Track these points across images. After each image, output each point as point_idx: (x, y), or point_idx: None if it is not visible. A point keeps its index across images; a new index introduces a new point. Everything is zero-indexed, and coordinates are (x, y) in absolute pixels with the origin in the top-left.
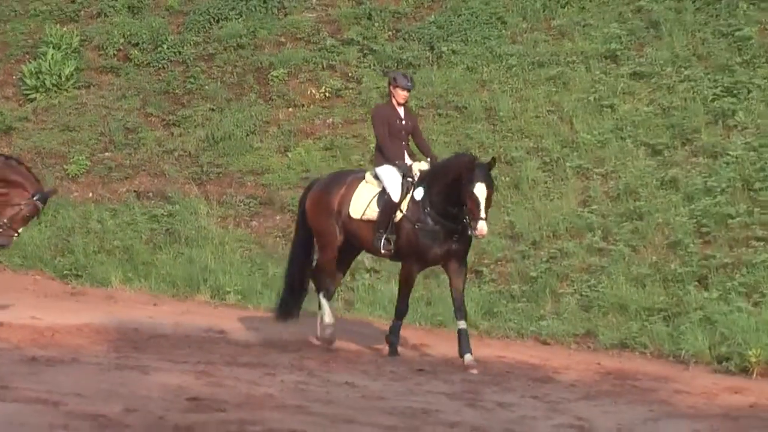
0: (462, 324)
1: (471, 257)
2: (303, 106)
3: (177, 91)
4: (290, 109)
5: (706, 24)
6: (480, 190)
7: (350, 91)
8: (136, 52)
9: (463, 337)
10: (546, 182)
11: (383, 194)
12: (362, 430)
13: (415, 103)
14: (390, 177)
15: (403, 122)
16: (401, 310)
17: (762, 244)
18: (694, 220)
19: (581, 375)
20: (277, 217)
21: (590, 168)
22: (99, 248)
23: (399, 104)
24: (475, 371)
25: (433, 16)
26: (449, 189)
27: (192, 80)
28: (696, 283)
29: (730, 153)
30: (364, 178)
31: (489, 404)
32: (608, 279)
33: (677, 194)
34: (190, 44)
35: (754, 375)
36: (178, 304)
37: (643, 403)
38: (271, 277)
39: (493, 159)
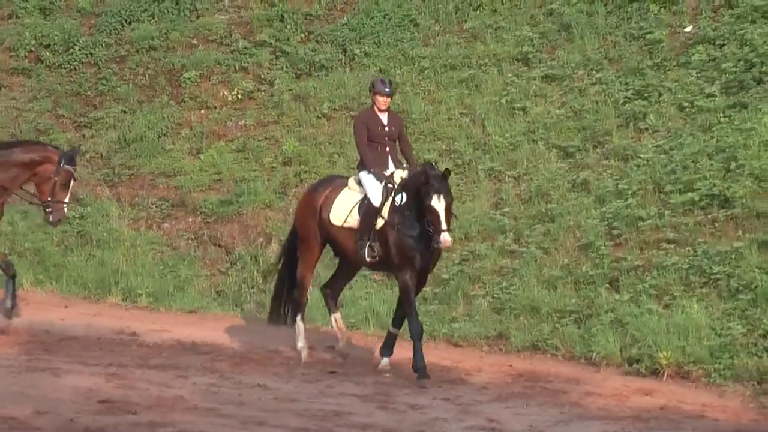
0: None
1: None
2: (215, 108)
3: (89, 92)
4: (202, 111)
5: (617, 27)
6: (437, 202)
7: (263, 93)
8: (47, 53)
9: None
10: (458, 184)
11: (364, 201)
12: None
13: (327, 105)
14: (370, 183)
15: (386, 128)
16: (416, 329)
17: (673, 246)
18: (606, 223)
19: (493, 377)
20: (189, 219)
21: (502, 170)
22: (10, 250)
23: (381, 110)
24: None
25: (345, 19)
26: (416, 200)
27: (104, 82)
28: (607, 285)
29: (641, 156)
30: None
31: (401, 406)
32: (520, 281)
33: (588, 197)
34: (102, 46)
35: (665, 377)
36: (90, 306)
37: (555, 404)
38: (183, 280)
39: (447, 170)
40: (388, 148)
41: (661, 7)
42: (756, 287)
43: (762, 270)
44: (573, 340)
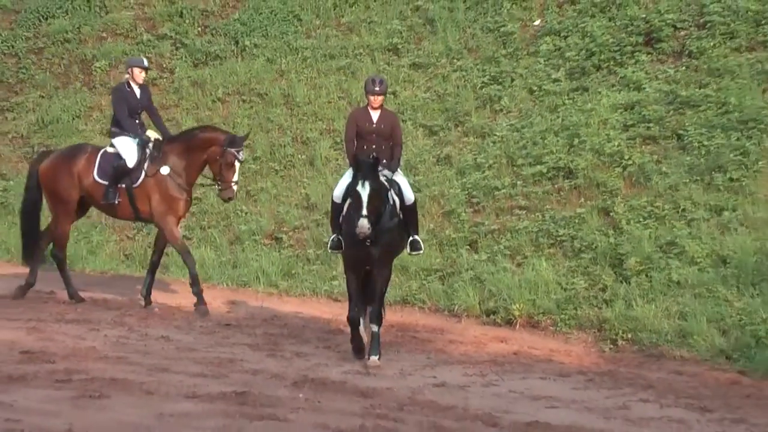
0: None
1: (272, 225)
2: None
3: (10, 80)
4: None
5: (475, 21)
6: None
7: (164, 80)
8: None
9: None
10: (337, 159)
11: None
12: (175, 377)
13: (222, 91)
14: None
15: (374, 125)
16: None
17: (524, 212)
18: (466, 192)
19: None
20: None
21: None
22: None
23: (373, 108)
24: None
25: (237, 14)
26: None
27: (24, 71)
28: (467, 247)
29: (497, 133)
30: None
31: (287, 354)
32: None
33: (451, 169)
34: (22, 39)
35: (517, 326)
36: (11, 268)
37: (422, 351)
38: (95, 245)
39: (376, 158)
40: (374, 145)
41: (513, 3)
42: (596, 247)
43: (601, 232)
44: (438, 294)
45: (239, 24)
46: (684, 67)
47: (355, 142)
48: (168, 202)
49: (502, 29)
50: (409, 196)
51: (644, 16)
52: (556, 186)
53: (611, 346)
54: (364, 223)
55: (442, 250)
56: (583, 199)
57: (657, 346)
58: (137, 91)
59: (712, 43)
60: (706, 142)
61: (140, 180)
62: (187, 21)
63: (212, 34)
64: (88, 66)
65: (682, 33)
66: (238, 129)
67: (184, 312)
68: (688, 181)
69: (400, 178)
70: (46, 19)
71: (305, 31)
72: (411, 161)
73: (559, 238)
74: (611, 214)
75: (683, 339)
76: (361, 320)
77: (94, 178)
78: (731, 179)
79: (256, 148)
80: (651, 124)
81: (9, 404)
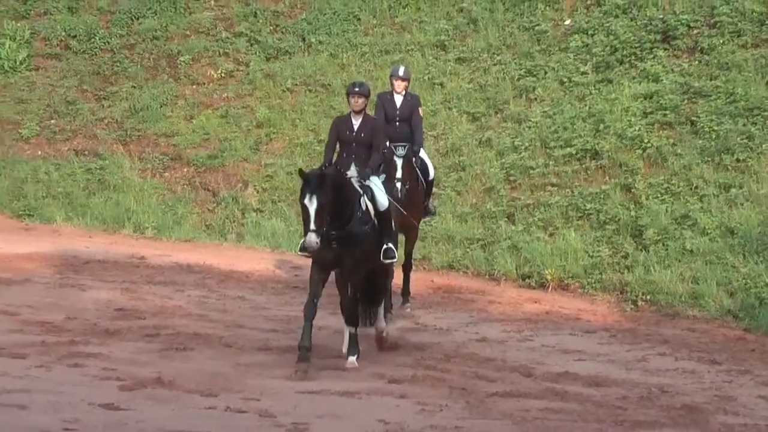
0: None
1: None
2: (204, 84)
3: (106, 72)
4: (194, 86)
5: (513, 21)
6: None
7: (240, 72)
8: (74, 42)
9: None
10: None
11: None
12: (250, 332)
13: (290, 82)
14: None
15: (354, 134)
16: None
17: (555, 189)
18: (504, 171)
19: (418, 290)
20: (184, 170)
21: (425, 131)
22: (46, 194)
23: (355, 113)
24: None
25: (304, 15)
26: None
27: (118, 64)
28: (506, 219)
29: (531, 119)
30: None
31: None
32: (439, 217)
33: (491, 151)
34: (117, 36)
35: (549, 289)
36: (108, 237)
37: (466, 310)
38: (180, 216)
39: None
40: (354, 154)
41: (546, 5)
42: (619, 220)
43: (623, 206)
44: (479, 261)
45: (306, 23)
46: (696, 62)
47: (336, 149)
48: None
49: (536, 28)
50: (383, 201)
51: (661, 16)
52: (583, 166)
53: (632, 306)
54: (312, 238)
55: (483, 222)
56: (607, 178)
57: (672, 307)
58: (397, 101)
59: (721, 41)
60: (716, 128)
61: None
62: (260, 20)
63: (282, 32)
64: (173, 60)
65: (695, 31)
66: (305, 115)
67: (257, 275)
68: (699, 161)
69: (374, 183)
70: (138, 19)
71: (363, 30)
72: (456, 144)
73: (586, 212)
74: (632, 190)
75: (695, 300)
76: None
77: None
78: (738, 160)
79: (320, 132)
80: (667, 112)
81: (106, 355)
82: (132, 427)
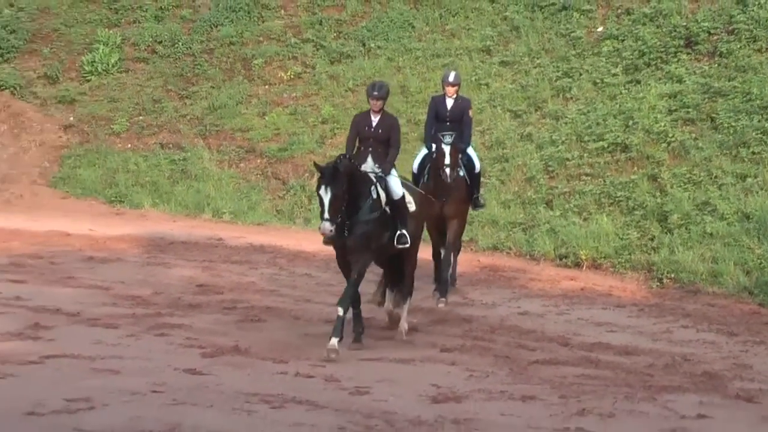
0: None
1: None
2: (275, 84)
3: (188, 74)
4: (266, 87)
5: (551, 28)
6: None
7: (307, 74)
8: (160, 47)
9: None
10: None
11: None
12: (316, 306)
13: (352, 83)
14: None
15: (372, 130)
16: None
17: (589, 178)
18: (543, 162)
19: (466, 268)
20: (257, 161)
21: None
22: (135, 182)
23: (374, 112)
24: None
25: (365, 23)
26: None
27: (198, 67)
28: (544, 205)
29: (567, 116)
30: None
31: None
32: (485, 201)
33: (531, 144)
34: (197, 42)
35: (584, 268)
36: (190, 221)
37: (508, 287)
38: (253, 202)
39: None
40: (371, 149)
41: (581, 14)
42: (646, 206)
43: (650, 194)
44: (521, 242)
45: (366, 30)
46: (716, 65)
47: (357, 144)
48: None
49: (572, 34)
50: (396, 190)
51: (685, 24)
52: (614, 158)
53: (658, 283)
54: (326, 226)
55: (524, 208)
56: (635, 168)
57: (694, 284)
58: (449, 103)
59: (738, 46)
60: (733, 124)
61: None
62: (325, 28)
63: (345, 38)
64: (248, 63)
65: (715, 37)
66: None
67: (322, 255)
68: (719, 154)
69: (391, 176)
70: (216, 26)
71: (417, 36)
72: (499, 138)
73: (616, 199)
74: (658, 180)
75: (715, 278)
76: (387, 299)
77: None
78: (754, 153)
79: None
80: (690, 109)
81: (188, 326)
82: (212, 389)
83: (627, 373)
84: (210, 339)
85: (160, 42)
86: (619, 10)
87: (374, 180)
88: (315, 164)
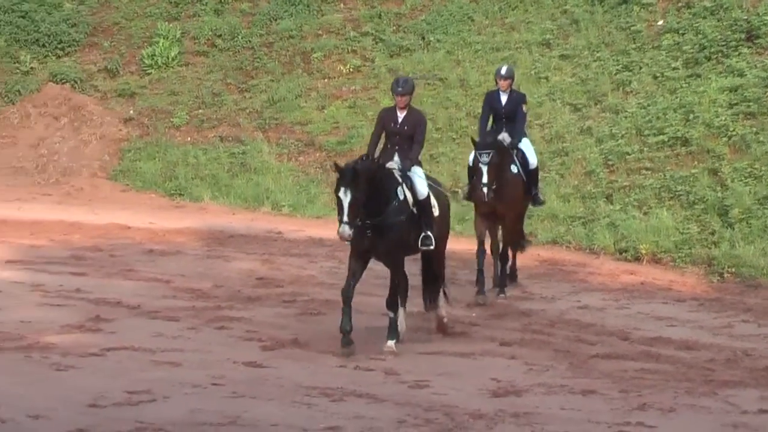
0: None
1: (450, 181)
2: (334, 78)
3: (248, 67)
4: (325, 80)
5: (611, 21)
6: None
7: (366, 67)
8: (219, 41)
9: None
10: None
11: None
12: (371, 299)
13: (411, 75)
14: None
15: (398, 126)
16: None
17: (649, 172)
18: (603, 156)
19: (525, 262)
20: (317, 154)
21: (531, 120)
22: (195, 175)
23: (400, 108)
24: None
25: (424, 16)
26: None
27: (258, 60)
28: (604, 199)
29: (627, 110)
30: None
31: (462, 282)
32: (544, 197)
33: (591, 138)
34: (257, 35)
35: (644, 262)
36: (249, 214)
37: (568, 281)
38: (313, 195)
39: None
40: (397, 145)
41: (641, 8)
42: (706, 200)
43: (710, 188)
44: (580, 236)
45: (425, 23)
46: None
47: (382, 139)
48: None
49: (632, 28)
50: (422, 191)
51: (746, 17)
52: (674, 152)
53: (718, 278)
54: (345, 230)
55: (584, 202)
56: (696, 162)
57: (755, 278)
58: (503, 98)
59: None
60: None
61: None
62: (384, 21)
63: (404, 32)
64: (307, 57)
65: None
66: (423, 106)
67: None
68: None
69: (416, 174)
70: (275, 20)
71: (477, 30)
72: (559, 132)
73: (677, 193)
74: (718, 174)
75: None
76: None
77: None
78: None
79: (437, 120)
80: (751, 103)
81: (249, 319)
82: (272, 382)
83: (688, 367)
84: (270, 332)
85: (220, 35)
86: (680, 4)
87: (400, 180)
88: (335, 164)
